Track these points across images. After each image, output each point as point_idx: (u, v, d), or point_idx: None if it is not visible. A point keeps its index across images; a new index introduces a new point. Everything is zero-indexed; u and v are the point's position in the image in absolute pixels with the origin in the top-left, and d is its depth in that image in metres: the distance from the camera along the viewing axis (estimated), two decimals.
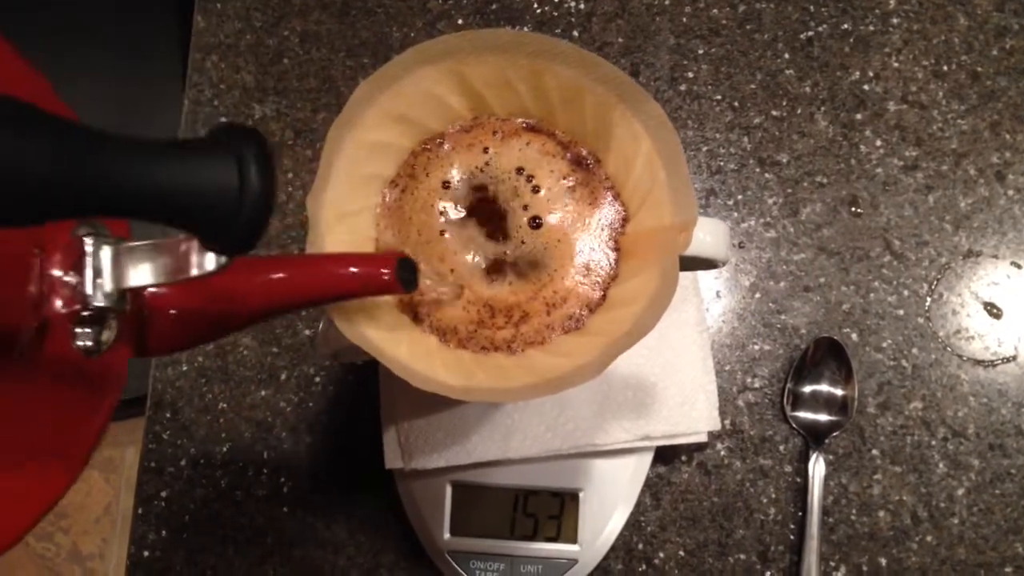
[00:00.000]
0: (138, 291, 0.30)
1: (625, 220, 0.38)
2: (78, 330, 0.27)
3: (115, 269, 0.27)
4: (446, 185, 0.38)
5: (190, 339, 0.33)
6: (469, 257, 0.37)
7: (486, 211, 0.38)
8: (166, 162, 0.22)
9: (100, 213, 0.22)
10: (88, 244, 0.27)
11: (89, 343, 0.27)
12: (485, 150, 0.38)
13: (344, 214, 0.37)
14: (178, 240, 0.27)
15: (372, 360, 0.35)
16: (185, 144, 0.23)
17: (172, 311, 0.31)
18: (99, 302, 0.27)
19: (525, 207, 0.38)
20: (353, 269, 0.32)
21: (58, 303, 0.27)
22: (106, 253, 0.27)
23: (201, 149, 0.23)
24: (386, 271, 0.32)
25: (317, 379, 0.58)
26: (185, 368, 0.58)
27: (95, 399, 0.30)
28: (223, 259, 0.27)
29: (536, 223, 0.37)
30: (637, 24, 0.62)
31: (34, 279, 0.27)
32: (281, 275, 0.32)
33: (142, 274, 0.27)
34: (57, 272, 0.27)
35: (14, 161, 0.20)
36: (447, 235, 0.38)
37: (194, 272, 0.27)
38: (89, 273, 0.27)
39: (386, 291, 0.32)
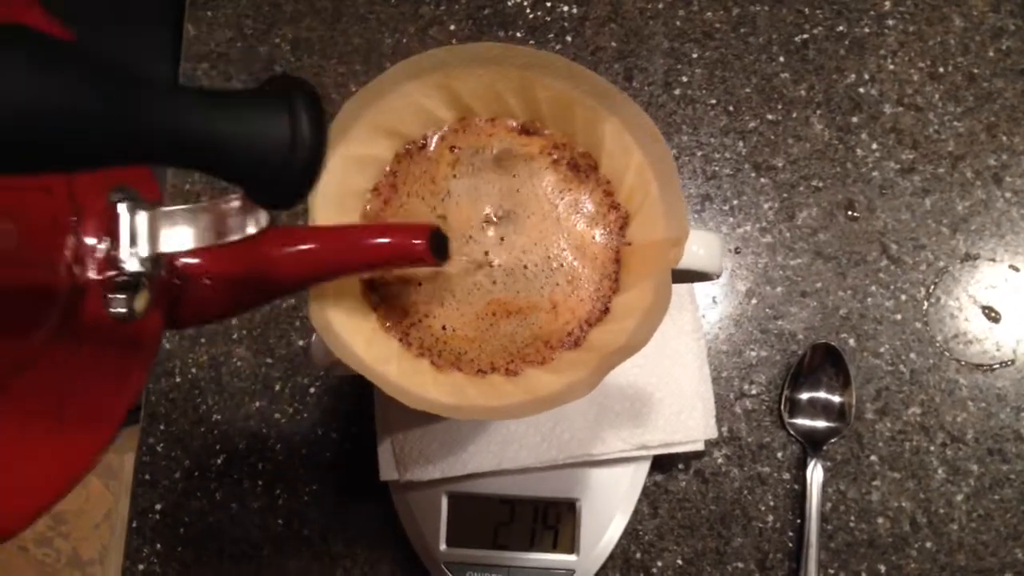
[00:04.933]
0: (173, 258, 0.30)
1: (623, 228, 0.37)
2: (112, 296, 0.27)
3: (151, 234, 0.27)
4: (432, 190, 0.38)
5: (223, 308, 0.33)
6: (454, 267, 0.37)
7: (471, 219, 0.37)
8: (218, 110, 0.22)
9: (150, 160, 0.22)
10: (123, 209, 0.27)
11: (123, 309, 0.27)
12: (465, 155, 0.37)
13: None
14: (214, 204, 0.27)
15: None
16: (236, 94, 0.23)
17: (206, 279, 0.31)
18: (134, 267, 0.27)
19: (508, 213, 0.37)
20: (386, 239, 0.32)
21: (93, 269, 0.27)
22: (142, 218, 0.27)
23: (252, 99, 0.23)
24: (419, 241, 0.32)
25: (312, 390, 0.58)
26: (179, 380, 0.58)
27: (129, 364, 0.30)
28: (262, 222, 0.27)
29: (510, 232, 0.37)
30: (631, 28, 0.62)
31: (69, 244, 0.27)
32: (315, 245, 0.32)
33: (178, 238, 0.27)
34: (91, 239, 0.27)
35: (70, 104, 0.20)
36: None
37: (231, 237, 0.27)
38: (124, 238, 0.27)
39: (418, 261, 0.32)
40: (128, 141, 0.21)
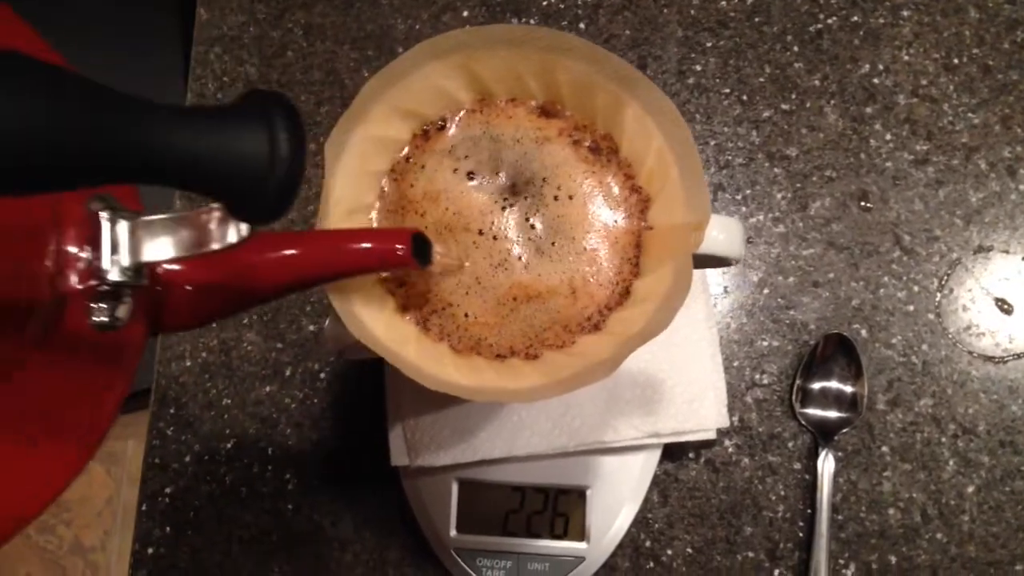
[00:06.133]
0: (154, 266, 0.29)
1: (644, 212, 0.37)
2: (94, 305, 0.27)
3: (132, 243, 0.27)
4: (454, 170, 0.37)
5: (205, 315, 0.33)
6: (475, 252, 0.37)
7: (490, 202, 0.37)
8: (196, 128, 0.22)
9: (128, 180, 0.22)
10: (104, 218, 0.27)
11: (105, 319, 0.27)
12: (484, 137, 0.37)
13: (353, 210, 0.36)
14: (196, 213, 0.27)
15: (378, 357, 0.35)
16: (215, 111, 0.23)
17: (188, 286, 0.31)
18: (115, 277, 0.27)
19: (528, 195, 0.37)
20: (368, 244, 0.31)
21: (74, 278, 0.27)
22: (123, 227, 0.27)
23: (231, 116, 0.23)
24: (401, 246, 0.31)
25: (322, 375, 0.57)
26: (189, 364, 0.58)
27: (111, 374, 0.29)
28: (243, 231, 0.27)
29: (531, 214, 0.37)
30: (644, 16, 0.62)
31: (50, 254, 0.27)
32: (296, 251, 0.31)
33: (160, 248, 0.27)
34: (73, 247, 0.27)
35: (53, 125, 0.20)
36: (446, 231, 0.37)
37: (213, 246, 0.27)
38: (106, 247, 0.27)
39: (401, 266, 0.32)
40: (107, 163, 0.21)
